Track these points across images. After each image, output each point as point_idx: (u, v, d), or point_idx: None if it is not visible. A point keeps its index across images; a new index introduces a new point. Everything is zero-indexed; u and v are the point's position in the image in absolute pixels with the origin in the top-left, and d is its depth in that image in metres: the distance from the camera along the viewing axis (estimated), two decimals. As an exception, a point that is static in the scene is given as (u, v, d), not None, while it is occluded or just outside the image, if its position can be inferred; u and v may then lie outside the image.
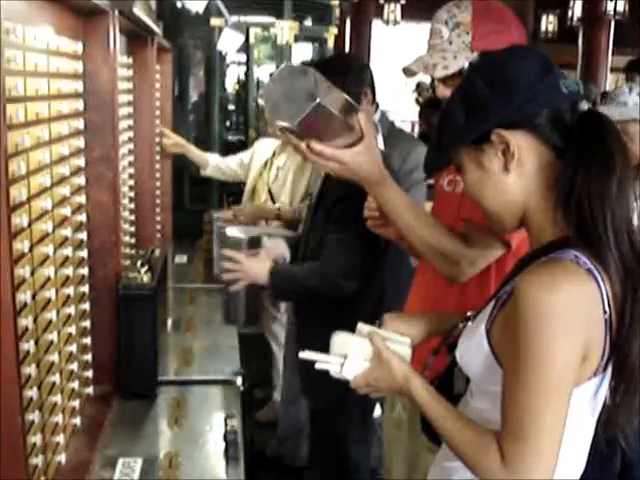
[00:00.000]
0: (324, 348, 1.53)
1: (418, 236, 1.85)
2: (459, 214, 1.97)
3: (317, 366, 1.50)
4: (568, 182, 1.28)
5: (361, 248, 2.31)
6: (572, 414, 1.28)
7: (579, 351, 1.23)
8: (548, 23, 10.46)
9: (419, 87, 10.58)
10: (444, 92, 1.96)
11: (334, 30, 6.80)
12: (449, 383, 1.49)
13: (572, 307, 1.21)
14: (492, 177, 1.34)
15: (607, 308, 1.24)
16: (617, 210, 1.26)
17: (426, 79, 10.14)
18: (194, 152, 4.03)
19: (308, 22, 6.71)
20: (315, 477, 2.82)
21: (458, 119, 1.35)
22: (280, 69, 1.84)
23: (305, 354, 1.53)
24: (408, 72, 2.00)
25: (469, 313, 1.51)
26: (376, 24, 10.18)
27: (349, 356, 1.47)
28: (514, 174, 1.33)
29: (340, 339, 1.50)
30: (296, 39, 6.29)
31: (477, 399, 1.41)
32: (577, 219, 1.27)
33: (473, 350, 1.36)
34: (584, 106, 1.35)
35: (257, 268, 2.45)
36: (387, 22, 9.77)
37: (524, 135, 1.31)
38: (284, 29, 6.07)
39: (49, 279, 1.70)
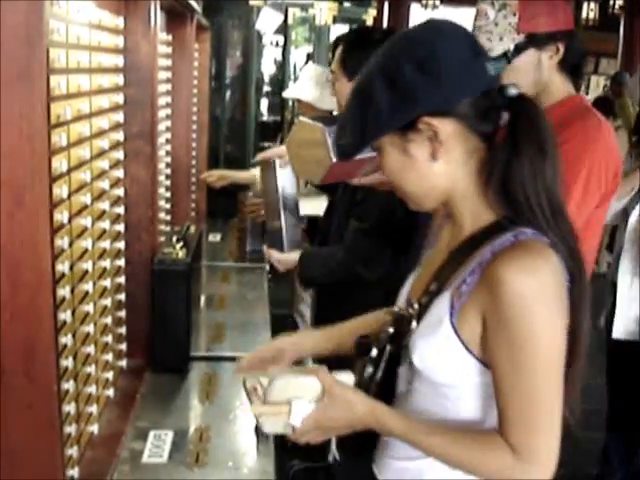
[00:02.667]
0: None
1: None
2: None
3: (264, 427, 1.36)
4: (502, 167, 1.24)
5: (379, 238, 2.30)
6: None
7: (565, 323, 1.23)
8: (589, 10, 10.29)
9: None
10: None
11: (373, 12, 6.78)
12: (388, 386, 1.39)
13: (555, 285, 1.20)
14: (417, 164, 1.27)
15: (567, 278, 1.25)
16: (555, 191, 1.25)
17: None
18: (240, 176, 3.99)
19: (347, 3, 6.68)
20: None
21: (382, 104, 1.25)
22: (294, 126, 1.85)
23: (253, 409, 1.37)
24: None
25: (396, 309, 1.43)
26: (415, 7, 10.09)
27: (293, 401, 1.31)
28: (441, 161, 1.26)
29: (278, 385, 1.34)
30: (334, 20, 6.27)
31: (423, 394, 1.35)
32: (513, 203, 1.24)
33: (438, 350, 1.27)
34: (512, 90, 1.27)
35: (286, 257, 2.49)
36: (425, 6, 9.68)
37: (452, 122, 1.24)
38: (323, 10, 6.05)
39: (87, 251, 1.71)
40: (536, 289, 1.18)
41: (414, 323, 1.33)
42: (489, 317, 1.22)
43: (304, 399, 1.31)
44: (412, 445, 1.30)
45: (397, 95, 1.24)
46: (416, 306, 1.34)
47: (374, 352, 1.38)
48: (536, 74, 1.94)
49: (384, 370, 1.37)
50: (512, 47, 1.88)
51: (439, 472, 1.32)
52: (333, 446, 1.42)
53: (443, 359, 1.28)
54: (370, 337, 1.43)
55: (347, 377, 1.38)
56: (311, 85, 3.58)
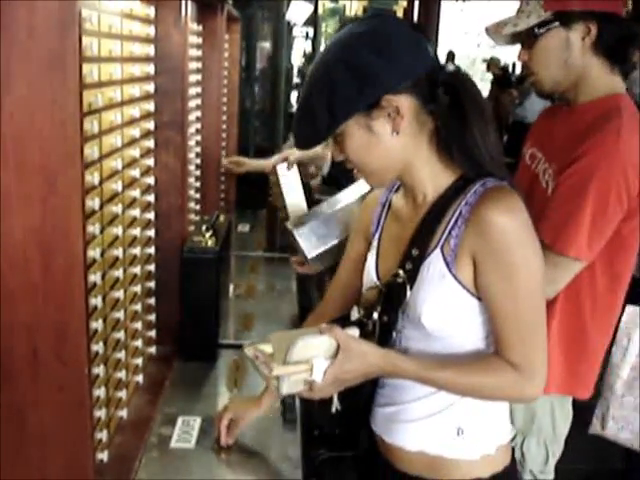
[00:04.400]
0: None
1: None
2: (531, 190, 1.96)
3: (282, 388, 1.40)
4: (457, 135, 1.41)
5: None
6: None
7: None
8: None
9: (490, 63, 10.41)
10: (524, 56, 1.96)
11: (403, 3, 6.75)
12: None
13: (529, 218, 1.39)
14: (381, 139, 1.42)
15: None
16: (499, 146, 1.45)
17: (496, 54, 9.93)
18: (256, 164, 4.04)
19: (377, -6, 6.66)
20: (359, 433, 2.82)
21: (349, 89, 1.38)
22: None
23: (277, 371, 1.40)
24: (489, 32, 2.00)
25: (377, 283, 1.54)
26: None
27: (314, 359, 1.38)
28: (401, 134, 1.42)
29: (298, 346, 1.37)
30: (364, 12, 6.25)
31: (427, 349, 1.48)
32: (475, 160, 1.42)
33: (445, 305, 1.42)
34: (451, 67, 1.45)
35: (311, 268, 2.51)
36: (457, -3, 9.63)
37: (407, 97, 1.40)
38: (353, 1, 6.04)
39: (117, 238, 1.73)
40: (518, 223, 1.37)
41: (408, 289, 1.45)
42: (480, 256, 1.38)
43: (322, 356, 1.38)
44: (425, 382, 1.45)
45: (361, 78, 1.38)
46: (402, 273, 1.46)
47: (370, 326, 1.50)
48: (566, 54, 1.89)
49: (378, 341, 1.48)
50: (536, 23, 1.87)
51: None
52: (335, 397, 1.50)
53: (451, 312, 1.43)
54: (344, 320, 1.56)
55: (354, 331, 1.45)
56: None
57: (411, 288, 1.45)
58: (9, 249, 1.33)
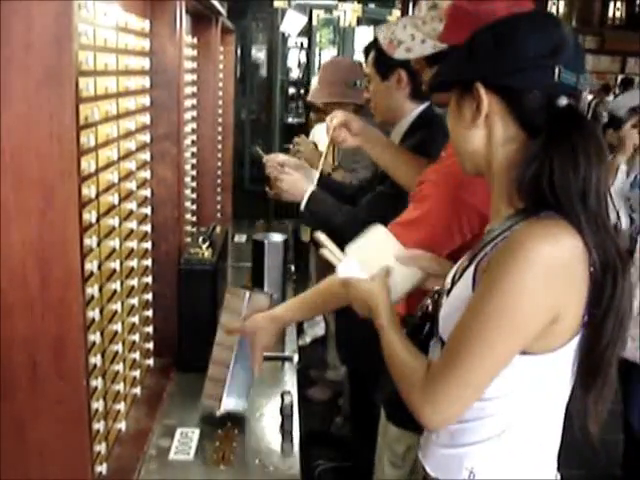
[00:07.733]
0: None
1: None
2: None
3: (321, 251, 1.61)
4: (528, 159, 1.27)
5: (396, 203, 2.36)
6: (555, 374, 1.32)
7: (552, 310, 1.23)
8: (615, 9, 10.24)
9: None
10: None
11: (397, 13, 6.77)
12: None
13: (563, 262, 1.21)
14: (461, 122, 1.39)
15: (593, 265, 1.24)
16: (591, 196, 1.24)
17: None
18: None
19: (371, 5, 6.67)
20: (356, 444, 2.83)
21: (454, 58, 1.41)
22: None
23: (321, 236, 1.62)
24: (380, 40, 1.88)
25: (437, 288, 1.52)
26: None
27: (346, 257, 1.57)
28: (481, 131, 1.36)
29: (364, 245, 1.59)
30: (358, 22, 6.27)
31: None
32: (537, 193, 1.26)
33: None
34: (563, 101, 1.29)
35: (302, 183, 2.49)
36: (450, 7, 9.67)
37: (500, 103, 1.33)
38: (347, 11, 6.06)
39: (114, 251, 1.74)
40: (541, 256, 1.19)
41: (444, 298, 1.42)
42: (488, 270, 1.25)
43: (360, 267, 1.55)
44: (382, 341, 1.42)
45: (469, 55, 1.35)
46: (449, 282, 1.43)
47: (408, 328, 1.48)
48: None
49: (420, 344, 1.44)
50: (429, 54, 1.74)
51: (479, 459, 1.37)
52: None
53: None
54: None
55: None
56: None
57: (446, 296, 1.41)
58: (7, 263, 1.33)
